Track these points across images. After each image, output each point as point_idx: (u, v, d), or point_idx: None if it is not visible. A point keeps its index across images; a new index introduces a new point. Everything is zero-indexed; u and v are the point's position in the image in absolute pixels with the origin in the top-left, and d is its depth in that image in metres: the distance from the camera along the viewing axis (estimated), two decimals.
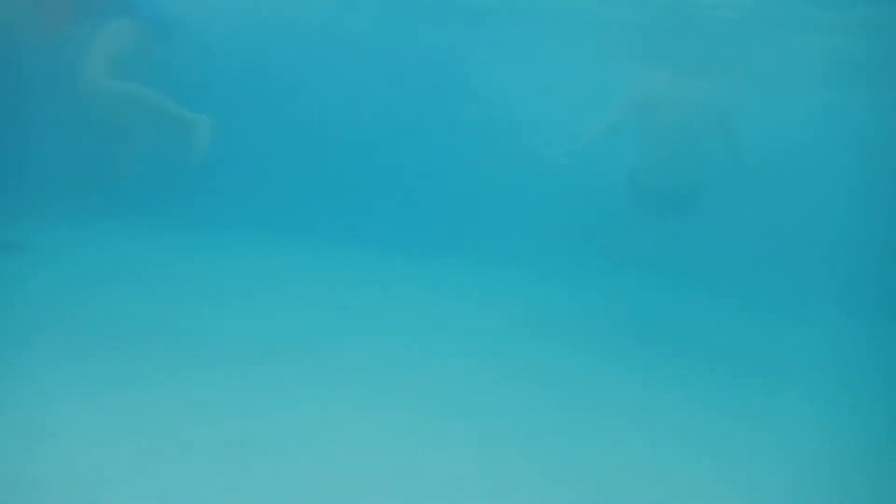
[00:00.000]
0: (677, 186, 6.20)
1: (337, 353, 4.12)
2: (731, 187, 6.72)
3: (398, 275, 6.20)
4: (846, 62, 7.51)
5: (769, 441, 3.72)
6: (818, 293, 6.52)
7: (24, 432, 2.82)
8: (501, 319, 5.24)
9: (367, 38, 7.97)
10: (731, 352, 5.28)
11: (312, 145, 7.43)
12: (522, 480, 2.95)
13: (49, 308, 4.14)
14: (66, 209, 5.82)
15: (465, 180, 7.82)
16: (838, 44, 7.13)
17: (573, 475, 3.06)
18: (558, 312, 5.72)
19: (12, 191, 5.45)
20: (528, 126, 7.60)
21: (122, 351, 3.69)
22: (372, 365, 4.00)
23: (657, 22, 6.86)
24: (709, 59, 6.94)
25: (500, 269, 6.77)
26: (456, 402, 3.64)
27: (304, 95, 7.33)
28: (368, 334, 4.51)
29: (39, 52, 4.95)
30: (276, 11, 7.36)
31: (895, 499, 3.33)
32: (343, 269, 6.14)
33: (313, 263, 6.19)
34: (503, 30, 7.94)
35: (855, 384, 4.75)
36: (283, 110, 7.12)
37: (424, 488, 2.80)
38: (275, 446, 2.97)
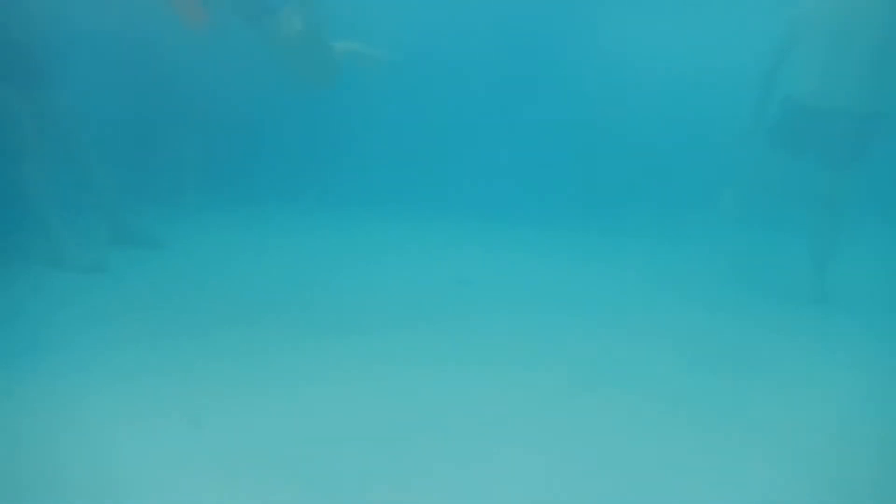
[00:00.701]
0: (844, 124, 5.13)
1: (466, 326, 4.04)
2: None
3: (520, 245, 6.03)
4: None
5: None
6: None
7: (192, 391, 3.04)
8: (634, 284, 5.00)
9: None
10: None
11: (431, 116, 7.33)
12: (667, 445, 2.86)
13: (183, 290, 4.30)
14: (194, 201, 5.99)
15: (586, 138, 7.36)
16: None
17: (718, 433, 2.95)
18: (693, 272, 5.41)
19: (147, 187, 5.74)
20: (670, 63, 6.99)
21: (259, 325, 3.81)
22: (502, 337, 3.91)
23: None
24: None
25: (628, 224, 6.24)
26: (594, 373, 3.52)
27: (435, 69, 7.29)
28: (493, 306, 4.40)
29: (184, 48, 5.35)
30: None
31: None
32: (465, 242, 6.06)
33: (441, 236, 6.03)
34: None
35: None
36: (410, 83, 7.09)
37: (567, 459, 2.74)
38: (408, 419, 2.96)
